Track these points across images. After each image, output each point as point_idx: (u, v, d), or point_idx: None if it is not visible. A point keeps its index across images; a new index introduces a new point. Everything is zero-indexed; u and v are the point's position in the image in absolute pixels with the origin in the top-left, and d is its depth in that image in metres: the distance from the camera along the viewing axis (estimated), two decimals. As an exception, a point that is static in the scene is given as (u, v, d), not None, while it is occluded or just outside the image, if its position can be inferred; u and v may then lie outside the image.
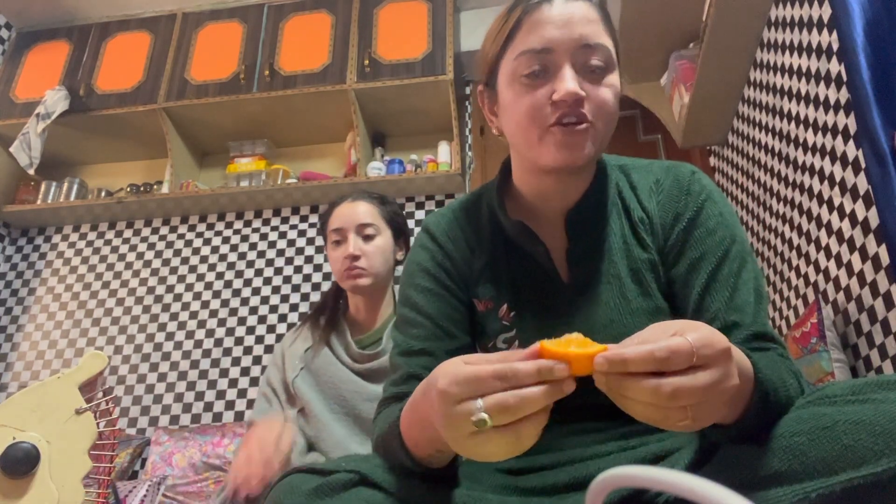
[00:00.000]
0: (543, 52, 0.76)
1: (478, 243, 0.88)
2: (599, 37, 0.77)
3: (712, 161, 2.58)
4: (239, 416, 2.49)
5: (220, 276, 2.77)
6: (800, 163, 1.68)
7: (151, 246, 2.87)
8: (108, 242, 2.90)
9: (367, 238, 1.42)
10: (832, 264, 1.54)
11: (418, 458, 0.65)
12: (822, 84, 1.53)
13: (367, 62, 2.62)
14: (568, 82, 0.74)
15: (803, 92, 1.63)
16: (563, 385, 0.51)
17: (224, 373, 2.58)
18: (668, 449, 0.73)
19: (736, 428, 0.59)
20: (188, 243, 2.85)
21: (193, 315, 2.71)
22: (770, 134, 1.88)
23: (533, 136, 0.77)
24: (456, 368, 0.53)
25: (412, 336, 0.83)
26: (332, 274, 1.49)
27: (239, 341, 2.63)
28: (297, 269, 2.74)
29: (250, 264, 2.77)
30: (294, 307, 2.66)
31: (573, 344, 0.52)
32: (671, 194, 0.84)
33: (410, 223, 2.72)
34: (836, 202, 1.50)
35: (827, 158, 1.53)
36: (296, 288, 2.70)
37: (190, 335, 2.67)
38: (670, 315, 0.81)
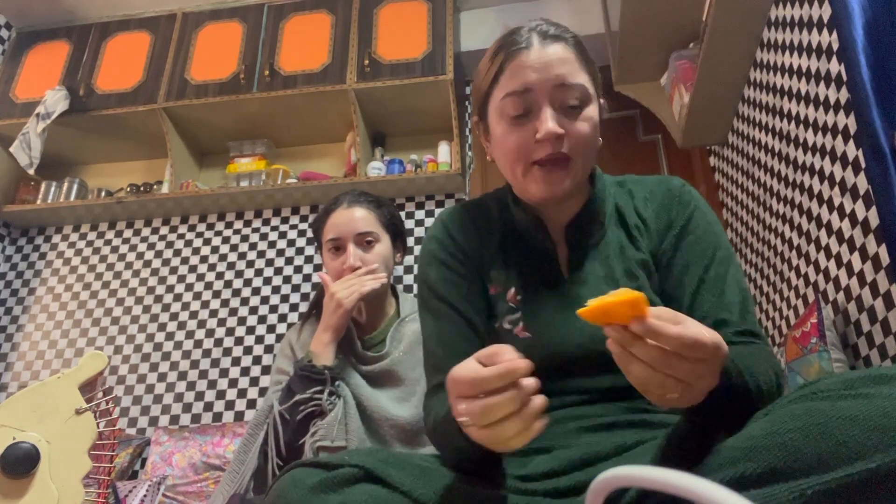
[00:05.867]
0: (524, 93, 0.85)
1: (488, 234, 0.97)
2: (575, 76, 0.85)
3: (712, 161, 2.57)
4: (239, 416, 2.49)
5: (220, 276, 2.77)
6: (800, 163, 1.68)
7: (151, 246, 2.87)
8: (108, 242, 2.90)
9: (367, 246, 1.39)
10: (832, 264, 1.54)
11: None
12: (822, 84, 1.53)
13: (367, 62, 2.62)
14: (548, 122, 0.83)
15: (803, 92, 1.63)
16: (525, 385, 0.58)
17: (224, 373, 2.59)
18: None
19: (703, 409, 0.63)
20: (188, 243, 2.85)
21: (193, 315, 2.71)
22: (770, 134, 1.88)
23: (518, 170, 0.88)
24: (455, 372, 0.61)
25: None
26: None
27: (239, 341, 2.63)
28: (297, 269, 2.74)
29: (250, 264, 2.77)
30: (294, 307, 2.66)
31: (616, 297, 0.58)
32: (664, 203, 0.93)
33: (410, 223, 2.72)
34: (836, 202, 1.50)
35: (827, 158, 1.53)
36: (296, 288, 2.70)
37: (190, 335, 2.67)
38: None
